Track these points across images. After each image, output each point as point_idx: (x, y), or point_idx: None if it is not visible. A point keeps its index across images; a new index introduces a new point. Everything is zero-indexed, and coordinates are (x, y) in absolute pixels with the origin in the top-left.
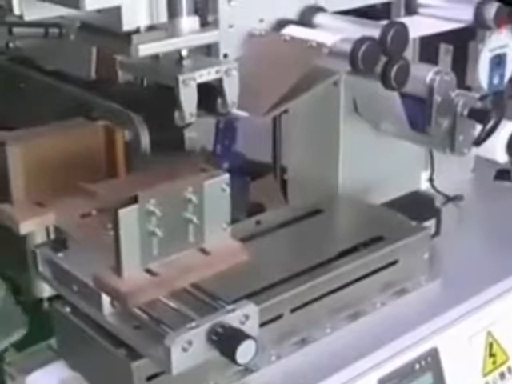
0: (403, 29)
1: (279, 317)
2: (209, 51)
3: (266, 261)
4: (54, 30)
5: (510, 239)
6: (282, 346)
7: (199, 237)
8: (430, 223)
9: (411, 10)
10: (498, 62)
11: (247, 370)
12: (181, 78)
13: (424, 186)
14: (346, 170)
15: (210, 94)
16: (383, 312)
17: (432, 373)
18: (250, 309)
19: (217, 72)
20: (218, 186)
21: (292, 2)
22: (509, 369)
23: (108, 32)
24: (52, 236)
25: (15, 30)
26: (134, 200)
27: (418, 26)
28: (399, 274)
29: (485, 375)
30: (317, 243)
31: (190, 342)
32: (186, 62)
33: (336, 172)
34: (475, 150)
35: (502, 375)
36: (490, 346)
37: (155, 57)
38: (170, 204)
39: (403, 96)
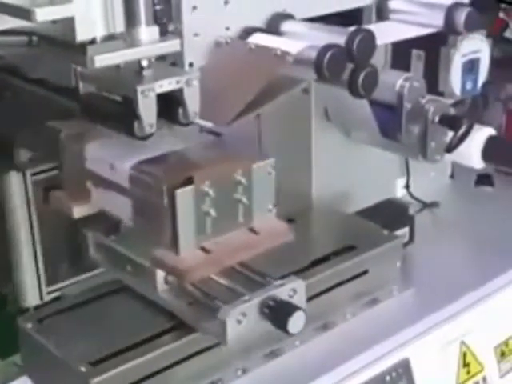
0: (369, 36)
1: None
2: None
3: None
4: (36, 38)
5: (485, 246)
6: (249, 359)
7: (248, 217)
8: (404, 231)
9: (382, 15)
10: (471, 67)
11: None
12: (139, 88)
13: (400, 192)
14: (319, 178)
15: (171, 104)
16: (354, 323)
17: None
18: (298, 284)
19: (177, 82)
20: (265, 169)
21: (259, 9)
22: (484, 379)
23: (65, 43)
24: None
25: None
26: (190, 181)
27: (389, 32)
28: (370, 283)
29: None
30: (288, 253)
31: (243, 315)
32: (145, 73)
33: (309, 181)
34: (451, 157)
35: None
36: (464, 355)
37: (116, 67)
38: (222, 185)
39: (373, 103)
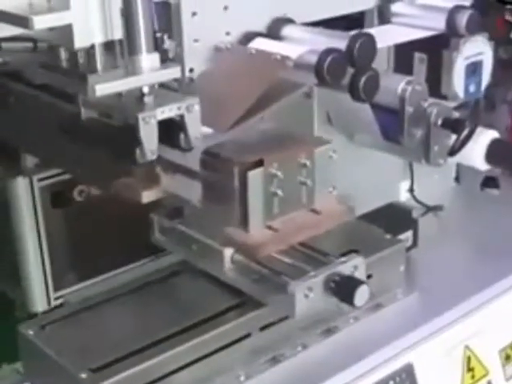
0: (370, 39)
1: (248, 335)
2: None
3: None
4: (42, 45)
5: (489, 249)
6: (251, 365)
7: (311, 198)
8: (407, 235)
9: (384, 19)
10: (474, 69)
11: None
12: (140, 116)
13: (404, 196)
14: None
15: (172, 130)
16: (357, 328)
17: None
18: (358, 260)
19: (178, 108)
20: (326, 153)
21: (259, 14)
22: (489, 383)
23: (66, 71)
24: None
25: (3, 44)
26: (260, 163)
27: (391, 35)
28: (374, 288)
29: None
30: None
31: (310, 289)
32: (147, 99)
33: None
34: (456, 159)
35: None
36: (468, 359)
37: (118, 94)
38: (288, 168)
39: (376, 107)
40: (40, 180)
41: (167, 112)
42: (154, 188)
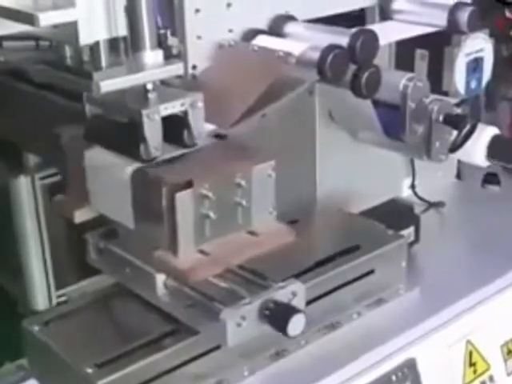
0: (372, 36)
1: None
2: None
3: None
4: (44, 43)
5: (490, 245)
6: (255, 360)
7: (247, 219)
8: (409, 231)
9: (386, 15)
10: (475, 66)
11: None
12: (144, 112)
13: (406, 192)
14: (323, 178)
15: (176, 126)
16: (359, 323)
17: None
18: (297, 286)
19: (182, 105)
20: (265, 172)
21: (262, 11)
22: (490, 378)
23: (70, 69)
24: None
25: (5, 43)
26: (190, 184)
27: (392, 32)
28: (376, 283)
29: None
30: (293, 253)
31: (243, 317)
32: (150, 96)
33: (314, 181)
34: (457, 155)
35: None
36: (470, 354)
37: (122, 91)
38: (221, 188)
39: (377, 103)
40: (42, 178)
41: (171, 108)
42: (87, 207)
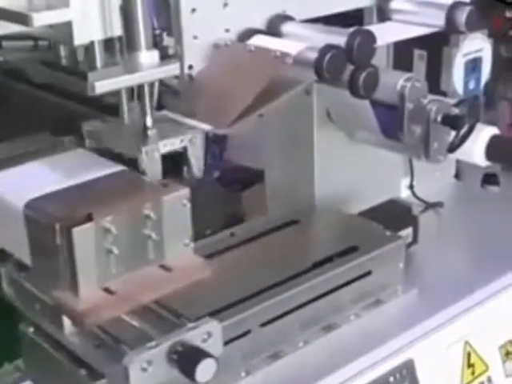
0: (370, 36)
1: (248, 332)
2: None
3: (237, 274)
4: (43, 43)
5: (489, 246)
6: (252, 362)
7: (159, 253)
8: (407, 232)
9: (383, 16)
10: (474, 66)
11: None
12: (144, 149)
13: (404, 193)
14: (321, 179)
15: (176, 161)
16: (357, 324)
17: None
18: (213, 326)
19: (181, 141)
20: (177, 202)
21: (259, 11)
22: (489, 379)
23: (66, 69)
24: None
25: (4, 43)
26: (89, 218)
27: (390, 32)
28: (374, 284)
29: None
30: (291, 254)
31: (149, 362)
32: (150, 132)
33: (312, 181)
34: (456, 155)
35: None
36: (468, 356)
37: (120, 124)
38: (127, 221)
39: (375, 104)
40: None
41: (170, 145)
42: None
